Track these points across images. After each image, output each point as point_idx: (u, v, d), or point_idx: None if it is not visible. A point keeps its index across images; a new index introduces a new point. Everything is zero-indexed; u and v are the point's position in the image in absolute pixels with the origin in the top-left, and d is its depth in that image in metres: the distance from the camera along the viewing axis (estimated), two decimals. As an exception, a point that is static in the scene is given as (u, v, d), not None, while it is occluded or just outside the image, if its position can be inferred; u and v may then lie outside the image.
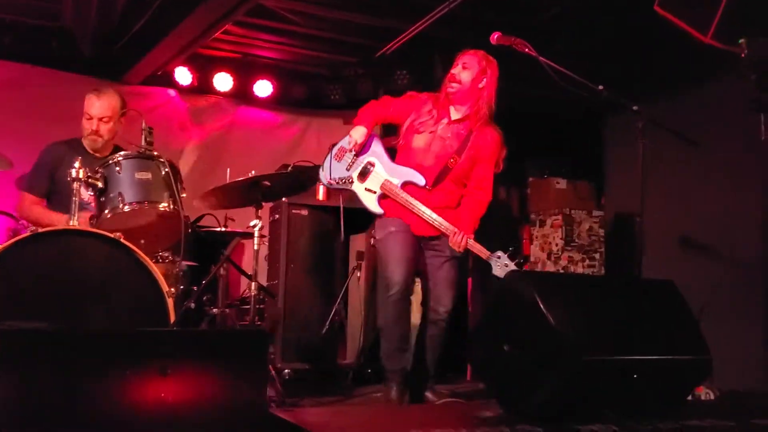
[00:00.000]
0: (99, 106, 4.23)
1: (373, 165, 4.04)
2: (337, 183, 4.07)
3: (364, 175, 4.04)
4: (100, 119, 4.22)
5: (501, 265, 3.76)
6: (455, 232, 3.81)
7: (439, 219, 3.87)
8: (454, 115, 4.06)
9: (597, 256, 6.76)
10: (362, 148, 4.08)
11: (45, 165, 4.28)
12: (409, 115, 4.09)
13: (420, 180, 3.97)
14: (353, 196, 5.34)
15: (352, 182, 4.04)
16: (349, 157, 4.08)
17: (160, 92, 6.76)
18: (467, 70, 4.01)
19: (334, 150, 4.13)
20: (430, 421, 2.84)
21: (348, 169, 4.06)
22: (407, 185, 3.97)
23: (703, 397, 3.79)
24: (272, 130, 7.18)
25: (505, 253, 3.77)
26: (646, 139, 3.98)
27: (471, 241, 3.83)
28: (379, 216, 4.03)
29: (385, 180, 3.99)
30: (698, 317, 3.40)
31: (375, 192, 4.00)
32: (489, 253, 3.80)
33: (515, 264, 3.73)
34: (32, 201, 4.26)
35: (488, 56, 4.06)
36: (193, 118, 6.91)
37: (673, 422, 2.84)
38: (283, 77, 7.04)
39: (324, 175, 4.12)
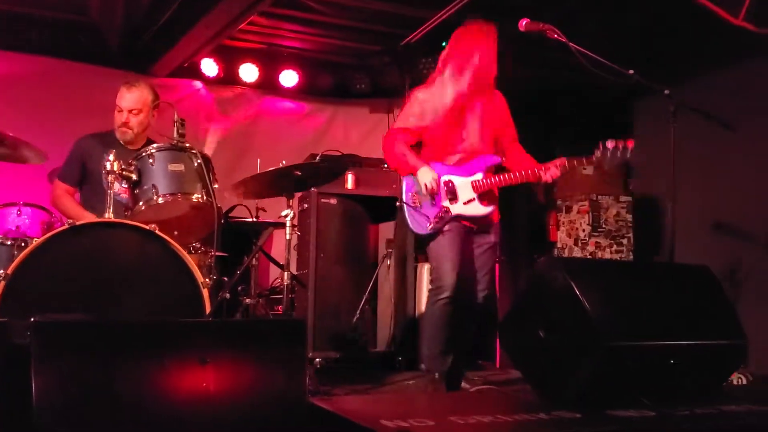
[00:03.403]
0: (129, 99, 4.27)
1: (450, 181, 3.95)
2: (438, 221, 3.90)
3: (453, 195, 3.94)
4: (130, 111, 4.26)
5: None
6: (548, 168, 3.91)
7: (526, 171, 3.93)
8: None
9: (624, 241, 6.72)
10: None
11: (77, 156, 4.33)
12: (430, 117, 4.05)
13: (495, 159, 4.01)
14: (379, 184, 5.41)
15: (449, 210, 3.91)
16: (426, 196, 3.95)
17: (186, 84, 6.79)
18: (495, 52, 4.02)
19: (408, 200, 3.99)
20: (467, 407, 2.85)
21: (434, 204, 3.94)
22: (487, 172, 3.97)
23: (735, 382, 3.76)
24: (298, 120, 7.19)
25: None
26: (677, 123, 3.96)
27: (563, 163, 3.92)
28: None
29: (471, 182, 3.95)
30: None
31: (473, 198, 3.93)
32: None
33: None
34: (64, 190, 4.32)
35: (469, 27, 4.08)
36: (219, 109, 6.93)
37: (711, 407, 2.82)
38: (308, 67, 7.04)
39: (418, 226, 3.96)
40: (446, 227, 3.92)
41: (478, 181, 3.94)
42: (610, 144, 3.83)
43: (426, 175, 3.92)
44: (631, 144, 3.82)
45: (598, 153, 3.87)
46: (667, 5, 4.75)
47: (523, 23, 3.92)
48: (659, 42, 5.27)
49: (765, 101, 4.76)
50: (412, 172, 3.98)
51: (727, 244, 5.03)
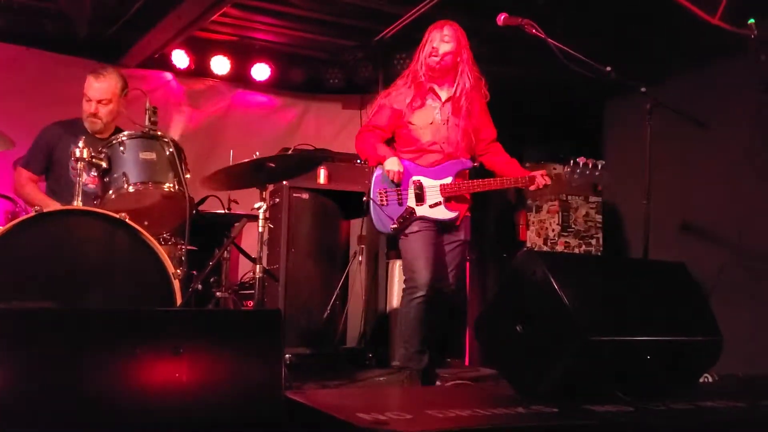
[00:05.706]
0: (98, 89, 4.18)
1: (419, 182, 3.93)
2: (402, 222, 3.87)
3: (420, 197, 3.91)
4: (99, 101, 4.17)
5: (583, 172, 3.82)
6: (533, 176, 3.89)
7: (509, 178, 3.94)
8: (443, 94, 4.05)
9: (593, 242, 6.75)
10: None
11: (43, 143, 4.24)
12: (400, 117, 4.05)
13: (467, 163, 4.00)
14: (351, 179, 5.36)
15: (414, 212, 3.88)
16: (394, 194, 3.94)
17: (156, 75, 6.67)
18: (449, 43, 3.98)
19: (375, 197, 3.94)
20: (445, 402, 2.81)
21: (401, 204, 3.91)
22: (457, 176, 3.96)
23: (701, 380, 3.77)
24: (270, 114, 7.10)
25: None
26: (653, 122, 3.97)
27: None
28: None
29: (440, 185, 3.92)
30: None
31: (440, 202, 3.91)
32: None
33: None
34: (28, 178, 4.22)
35: (460, 28, 4.05)
36: (190, 102, 6.82)
37: (688, 403, 2.81)
38: (281, 61, 6.95)
39: (382, 225, 3.93)
40: (416, 227, 3.89)
41: (447, 185, 3.92)
42: (581, 160, 3.83)
43: (393, 164, 3.91)
44: (601, 163, 3.85)
45: (567, 169, 3.87)
46: (642, 4, 4.76)
47: (502, 18, 3.92)
48: (634, 41, 5.29)
49: (737, 100, 4.79)
50: (380, 161, 3.96)
51: (699, 244, 5.06)
